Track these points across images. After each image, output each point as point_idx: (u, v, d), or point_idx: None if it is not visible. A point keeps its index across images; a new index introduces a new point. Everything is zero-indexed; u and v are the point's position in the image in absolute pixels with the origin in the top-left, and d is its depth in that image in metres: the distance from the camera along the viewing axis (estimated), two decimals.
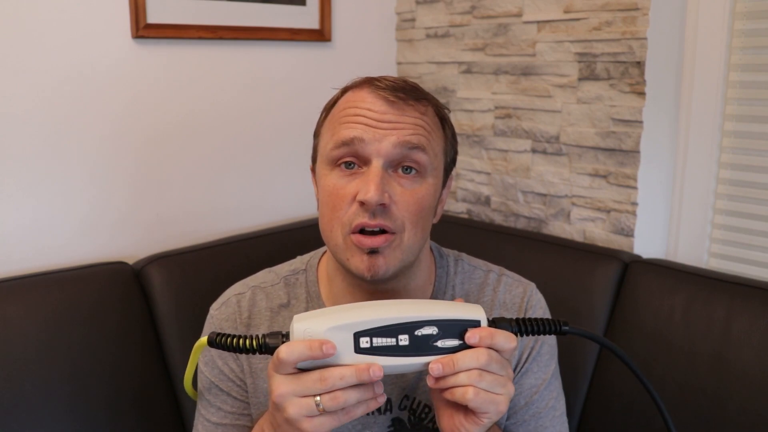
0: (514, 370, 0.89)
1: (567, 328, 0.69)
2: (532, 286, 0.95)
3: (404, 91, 0.80)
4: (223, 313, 0.92)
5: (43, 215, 1.34)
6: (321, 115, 0.87)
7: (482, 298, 0.92)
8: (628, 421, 1.23)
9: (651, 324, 1.24)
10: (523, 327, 0.69)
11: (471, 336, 0.67)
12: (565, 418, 0.93)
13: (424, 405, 0.87)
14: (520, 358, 0.90)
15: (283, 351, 0.64)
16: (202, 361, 0.91)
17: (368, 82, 0.82)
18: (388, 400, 0.87)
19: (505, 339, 0.68)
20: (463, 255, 0.96)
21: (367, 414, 0.87)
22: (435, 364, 0.66)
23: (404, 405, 0.87)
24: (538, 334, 0.69)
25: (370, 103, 0.80)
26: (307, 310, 0.91)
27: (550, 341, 0.93)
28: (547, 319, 0.69)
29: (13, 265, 1.31)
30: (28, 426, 1.11)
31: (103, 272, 1.28)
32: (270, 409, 0.70)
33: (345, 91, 0.85)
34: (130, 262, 1.37)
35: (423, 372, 0.86)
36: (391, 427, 0.87)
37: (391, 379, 0.86)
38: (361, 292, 0.85)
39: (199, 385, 0.92)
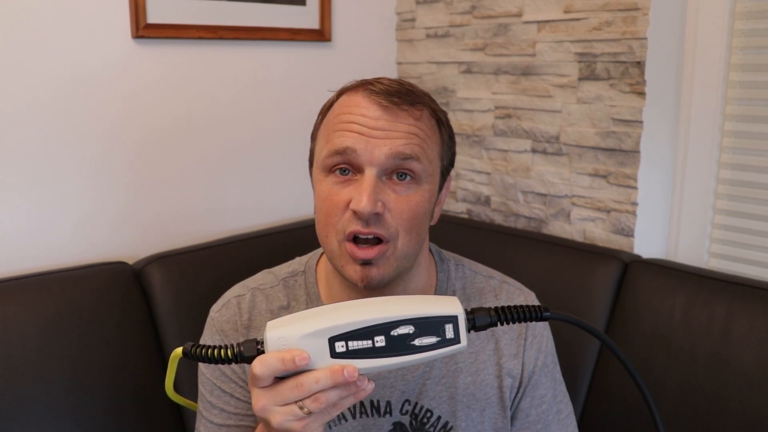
0: (519, 386, 0.90)
1: (548, 314, 0.68)
2: (533, 295, 0.96)
3: (399, 95, 0.79)
4: (224, 315, 0.91)
5: (42, 215, 1.34)
6: (318, 117, 0.87)
7: (483, 303, 0.91)
8: (629, 421, 1.23)
9: (651, 324, 1.24)
10: (502, 315, 0.67)
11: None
12: (572, 418, 0.94)
13: (426, 409, 0.87)
14: (525, 370, 0.90)
15: (257, 367, 0.63)
16: (203, 363, 0.91)
17: (363, 86, 0.82)
18: (388, 403, 0.87)
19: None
20: (464, 260, 0.96)
21: (368, 416, 0.87)
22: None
23: (405, 410, 0.87)
24: (519, 322, 0.68)
25: (364, 108, 0.79)
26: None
27: (551, 350, 0.94)
28: (527, 306, 0.68)
29: (13, 265, 1.31)
30: (28, 426, 1.11)
31: (103, 272, 1.28)
32: (260, 422, 0.70)
33: (341, 93, 0.85)
34: (130, 262, 1.37)
35: (425, 376, 0.87)
36: (393, 431, 0.87)
37: (390, 382, 0.86)
38: (359, 294, 0.85)
39: (201, 386, 0.91)
